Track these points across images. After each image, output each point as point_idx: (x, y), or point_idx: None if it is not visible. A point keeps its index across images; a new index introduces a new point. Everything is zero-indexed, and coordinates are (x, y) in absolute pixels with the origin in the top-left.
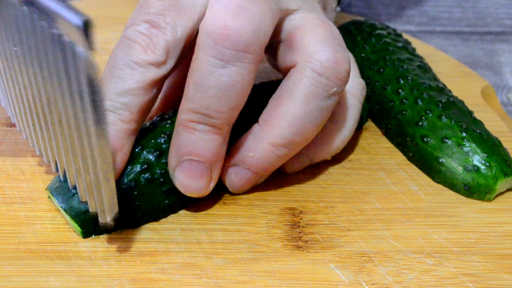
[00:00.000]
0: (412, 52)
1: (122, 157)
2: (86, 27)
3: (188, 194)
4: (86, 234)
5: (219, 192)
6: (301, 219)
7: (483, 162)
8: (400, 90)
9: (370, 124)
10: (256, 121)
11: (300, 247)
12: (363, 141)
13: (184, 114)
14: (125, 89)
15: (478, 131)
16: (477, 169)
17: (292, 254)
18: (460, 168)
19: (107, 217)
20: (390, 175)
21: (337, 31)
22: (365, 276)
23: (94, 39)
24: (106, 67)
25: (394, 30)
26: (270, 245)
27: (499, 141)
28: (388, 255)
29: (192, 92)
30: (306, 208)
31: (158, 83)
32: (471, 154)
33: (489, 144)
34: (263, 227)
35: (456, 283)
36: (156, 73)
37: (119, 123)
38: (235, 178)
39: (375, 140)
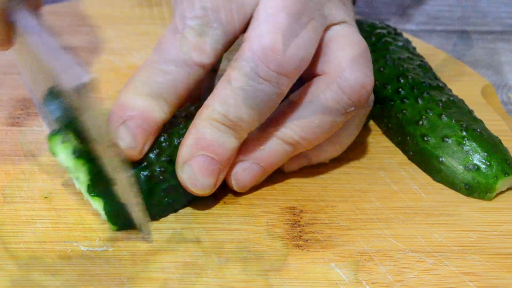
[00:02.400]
0: (412, 51)
1: (150, 142)
2: None
3: (194, 190)
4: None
5: (219, 191)
6: (301, 218)
7: (483, 161)
8: (400, 89)
9: (370, 123)
10: None
11: (300, 246)
12: (363, 140)
13: (211, 111)
14: (169, 84)
15: (478, 130)
16: (477, 168)
17: (292, 253)
18: (461, 167)
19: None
20: (391, 174)
21: (369, 52)
22: (365, 275)
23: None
24: (153, 54)
25: (395, 29)
26: (270, 244)
27: (500, 140)
28: (389, 254)
29: (225, 96)
30: (307, 207)
31: (199, 81)
32: (471, 153)
33: (489, 143)
34: (263, 226)
35: (456, 282)
36: (200, 73)
37: (158, 111)
38: (243, 173)
39: (375, 139)
